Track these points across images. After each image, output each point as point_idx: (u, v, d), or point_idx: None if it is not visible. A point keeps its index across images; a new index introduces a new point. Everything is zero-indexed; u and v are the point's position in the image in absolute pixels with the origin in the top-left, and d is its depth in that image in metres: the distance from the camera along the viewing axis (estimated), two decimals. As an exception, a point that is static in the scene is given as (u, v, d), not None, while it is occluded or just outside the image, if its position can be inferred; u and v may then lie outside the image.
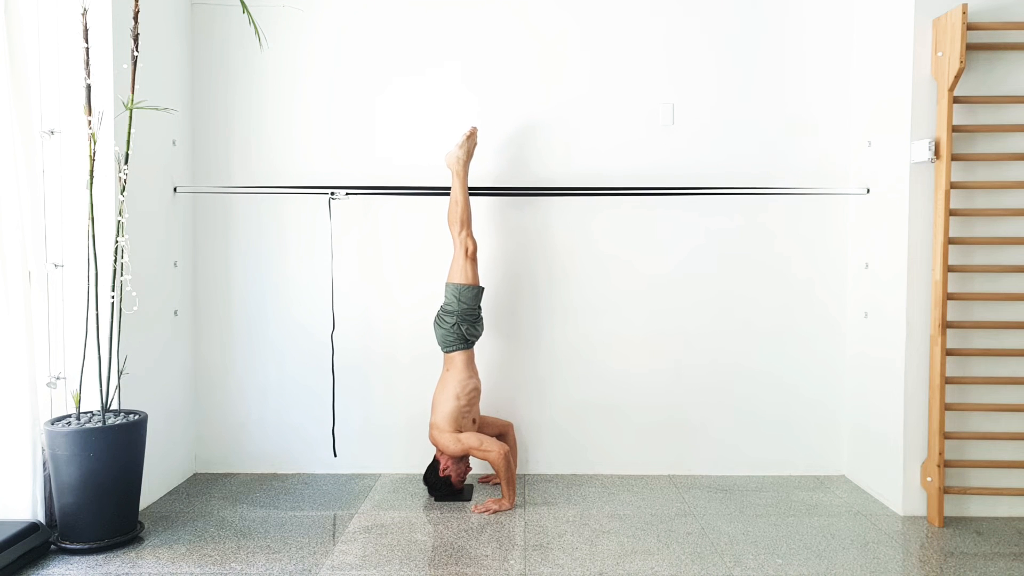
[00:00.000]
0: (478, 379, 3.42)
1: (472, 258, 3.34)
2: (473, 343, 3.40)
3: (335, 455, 3.64)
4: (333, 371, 3.62)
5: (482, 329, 3.44)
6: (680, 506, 3.34)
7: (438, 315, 3.39)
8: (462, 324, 3.32)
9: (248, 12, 3.26)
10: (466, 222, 3.35)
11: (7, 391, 2.81)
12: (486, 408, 3.66)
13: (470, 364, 3.38)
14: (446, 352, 3.38)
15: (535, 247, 3.73)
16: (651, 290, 3.74)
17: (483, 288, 3.42)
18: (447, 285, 3.36)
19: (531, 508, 3.30)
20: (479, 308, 3.39)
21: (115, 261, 2.95)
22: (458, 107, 3.70)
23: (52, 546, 2.79)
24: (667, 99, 3.70)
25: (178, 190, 3.55)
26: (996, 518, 3.19)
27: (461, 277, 3.33)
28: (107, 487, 2.79)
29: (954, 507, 3.21)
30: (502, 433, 3.56)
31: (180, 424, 3.61)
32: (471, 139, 3.43)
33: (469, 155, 3.42)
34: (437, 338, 3.40)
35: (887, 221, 3.35)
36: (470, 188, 3.58)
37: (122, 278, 2.97)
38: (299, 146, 3.71)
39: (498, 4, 3.69)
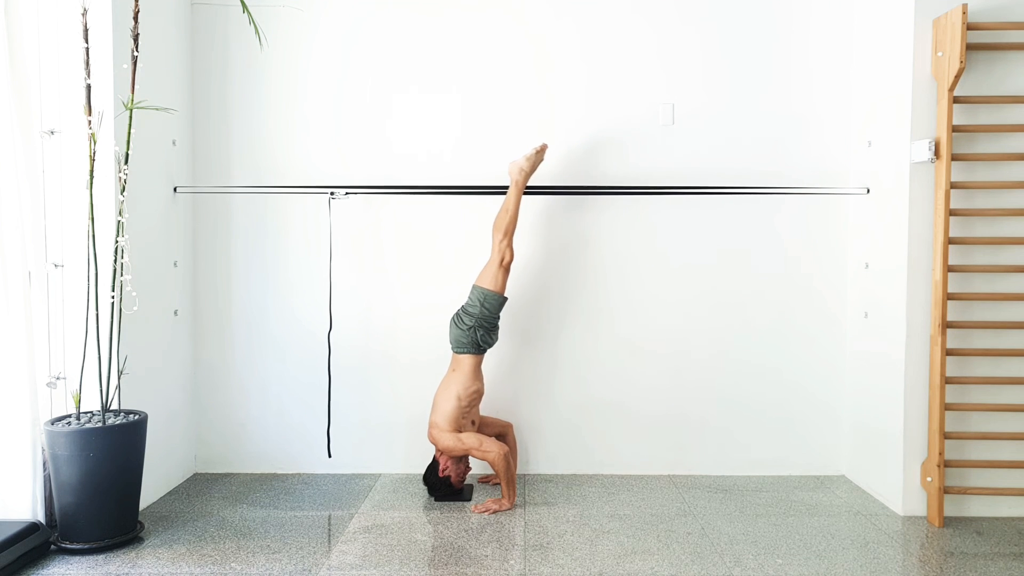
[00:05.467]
0: (482, 383, 3.41)
1: (506, 268, 3.34)
2: (485, 350, 3.39)
3: (329, 456, 3.63)
4: (329, 372, 3.62)
5: (496, 339, 3.43)
6: (680, 506, 3.34)
7: (457, 314, 3.38)
8: (479, 329, 3.32)
9: (248, 12, 3.26)
10: (510, 232, 3.35)
11: (7, 391, 2.81)
12: (486, 408, 3.66)
13: (477, 369, 3.38)
14: (456, 352, 3.38)
15: (530, 249, 3.73)
16: (650, 290, 3.74)
17: (507, 299, 3.42)
18: (474, 287, 3.36)
19: (531, 508, 3.30)
20: (498, 317, 3.39)
21: (115, 261, 2.95)
22: (458, 108, 3.70)
23: (52, 546, 2.79)
24: (666, 99, 3.70)
25: (178, 190, 3.55)
26: (996, 518, 3.19)
27: (491, 283, 3.33)
28: (107, 487, 2.79)
29: (954, 507, 3.21)
30: (502, 433, 3.56)
31: (180, 424, 3.61)
32: (539, 155, 3.46)
33: (533, 169, 3.44)
34: (450, 336, 3.39)
35: (887, 221, 3.35)
36: (468, 187, 3.59)
37: (122, 278, 2.97)
38: (299, 146, 3.71)
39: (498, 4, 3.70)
